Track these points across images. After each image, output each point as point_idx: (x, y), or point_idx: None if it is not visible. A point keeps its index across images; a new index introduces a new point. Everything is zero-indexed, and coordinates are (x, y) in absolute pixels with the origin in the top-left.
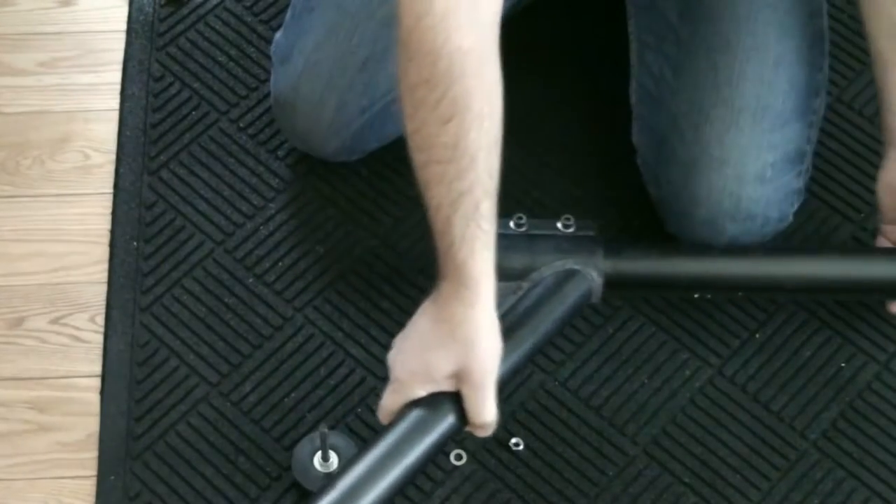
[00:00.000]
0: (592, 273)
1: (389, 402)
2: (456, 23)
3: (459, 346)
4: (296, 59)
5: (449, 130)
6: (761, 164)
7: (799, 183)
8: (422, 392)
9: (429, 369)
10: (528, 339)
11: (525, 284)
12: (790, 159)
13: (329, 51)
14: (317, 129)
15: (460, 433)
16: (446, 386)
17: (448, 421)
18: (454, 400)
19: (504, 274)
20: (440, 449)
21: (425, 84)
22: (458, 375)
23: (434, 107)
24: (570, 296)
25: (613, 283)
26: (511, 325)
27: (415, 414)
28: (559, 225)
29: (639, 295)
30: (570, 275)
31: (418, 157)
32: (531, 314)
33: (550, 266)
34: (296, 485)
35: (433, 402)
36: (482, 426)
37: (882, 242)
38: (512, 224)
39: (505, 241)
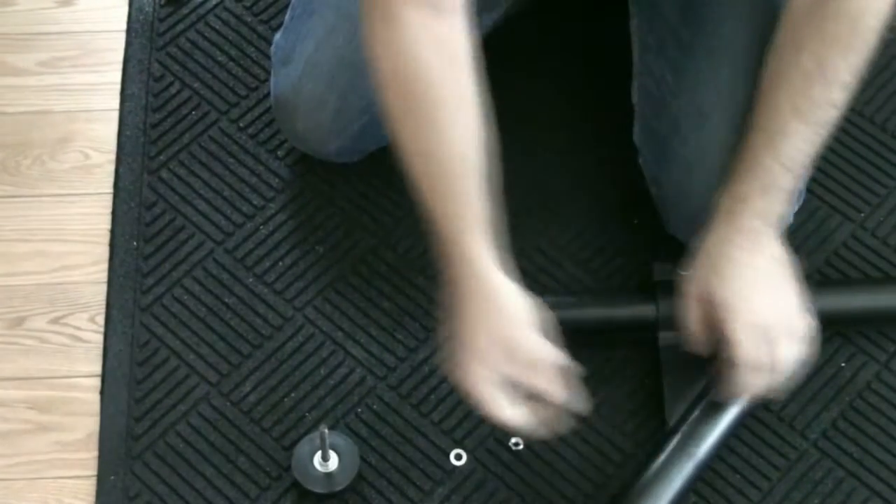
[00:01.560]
0: None
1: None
2: (424, 39)
3: (497, 331)
4: (296, 60)
5: (430, 139)
6: None
7: (799, 184)
8: (485, 372)
9: (487, 363)
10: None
11: None
12: None
13: (329, 52)
14: (317, 130)
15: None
16: (511, 367)
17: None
18: None
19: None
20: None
21: (400, 100)
22: (516, 358)
23: (411, 119)
24: None
25: (827, 322)
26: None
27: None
28: None
29: (854, 328)
30: None
31: (406, 161)
32: None
33: None
34: (296, 485)
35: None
36: (549, 378)
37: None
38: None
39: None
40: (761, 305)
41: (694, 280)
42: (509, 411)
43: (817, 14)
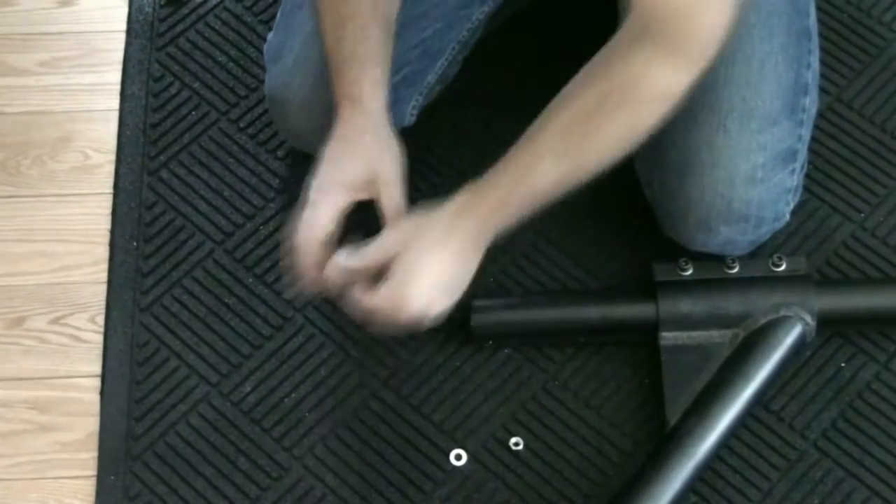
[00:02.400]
0: (806, 316)
1: (305, 216)
2: None
3: (365, 152)
4: (286, 56)
5: None
6: (751, 166)
7: (793, 181)
8: (344, 198)
9: (345, 178)
10: (746, 393)
11: (741, 333)
12: (781, 159)
13: (318, 46)
14: (310, 126)
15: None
16: (363, 194)
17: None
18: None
19: (721, 321)
20: None
21: None
22: (371, 182)
23: None
24: (784, 346)
25: (827, 322)
26: (730, 379)
27: None
28: (770, 263)
29: (855, 328)
30: (782, 322)
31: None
32: (748, 369)
33: (764, 312)
34: (296, 485)
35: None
36: (397, 213)
37: None
38: (724, 267)
39: (719, 287)
40: (425, 272)
41: (395, 228)
42: (325, 218)
43: (601, 70)
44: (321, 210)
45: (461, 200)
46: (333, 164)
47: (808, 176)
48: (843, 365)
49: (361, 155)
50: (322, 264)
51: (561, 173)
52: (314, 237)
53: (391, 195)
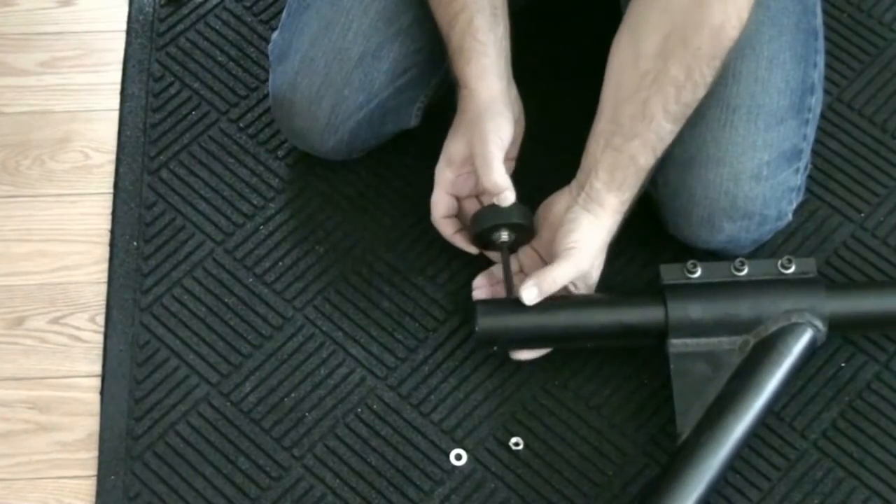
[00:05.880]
0: (817, 322)
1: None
2: None
3: (466, 133)
4: (292, 56)
5: None
6: (757, 162)
7: (797, 180)
8: (449, 174)
9: (449, 157)
10: (758, 406)
11: (751, 340)
12: (786, 157)
13: (324, 47)
14: (314, 127)
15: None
16: (466, 170)
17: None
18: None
19: (731, 328)
20: None
21: None
22: (468, 158)
23: None
24: (796, 355)
25: (837, 326)
26: (742, 393)
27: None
28: (779, 265)
29: (865, 333)
30: (793, 330)
31: None
32: (761, 381)
33: (775, 319)
34: (296, 485)
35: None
36: (493, 188)
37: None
38: (733, 269)
39: (729, 292)
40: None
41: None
42: (439, 195)
43: (683, 27)
44: (437, 190)
45: (601, 196)
46: (447, 144)
47: (808, 176)
48: (843, 365)
49: (462, 136)
50: (456, 231)
51: (678, 128)
52: (437, 214)
53: (483, 171)
